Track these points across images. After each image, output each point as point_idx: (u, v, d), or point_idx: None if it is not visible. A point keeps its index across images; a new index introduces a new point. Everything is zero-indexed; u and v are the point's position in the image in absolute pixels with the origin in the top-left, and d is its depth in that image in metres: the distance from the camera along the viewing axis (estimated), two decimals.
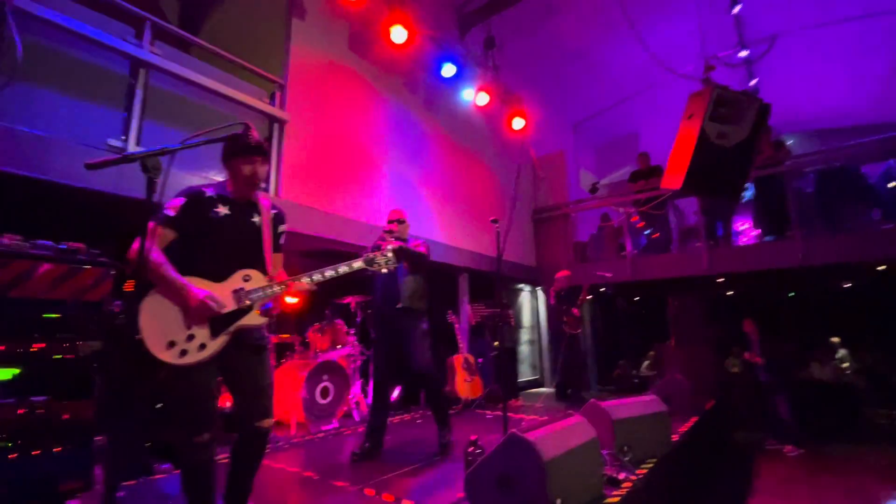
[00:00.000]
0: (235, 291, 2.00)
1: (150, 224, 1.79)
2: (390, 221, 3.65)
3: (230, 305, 1.97)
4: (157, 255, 1.87)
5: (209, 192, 2.07)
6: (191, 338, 1.89)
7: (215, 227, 2.03)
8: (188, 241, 1.99)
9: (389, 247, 3.22)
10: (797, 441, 5.40)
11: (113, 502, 1.34)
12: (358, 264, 2.32)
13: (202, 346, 1.91)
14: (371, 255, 2.37)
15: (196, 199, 2.02)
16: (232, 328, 1.97)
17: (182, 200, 1.98)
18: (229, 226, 2.07)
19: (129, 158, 1.28)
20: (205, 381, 1.99)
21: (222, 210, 2.06)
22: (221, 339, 1.95)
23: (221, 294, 1.96)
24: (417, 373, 3.52)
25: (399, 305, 3.48)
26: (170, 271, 1.87)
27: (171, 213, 1.94)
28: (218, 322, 1.93)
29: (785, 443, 5.43)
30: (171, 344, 1.85)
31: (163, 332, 1.85)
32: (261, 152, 2.11)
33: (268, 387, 2.13)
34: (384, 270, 2.38)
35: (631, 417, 3.24)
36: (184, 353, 1.87)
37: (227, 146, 2.05)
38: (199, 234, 2.00)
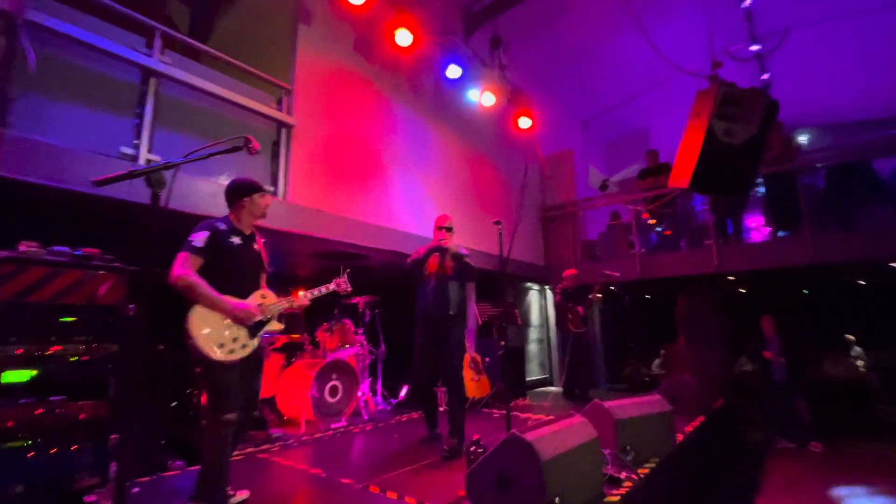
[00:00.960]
0: (259, 305, 2.53)
1: (183, 253, 2.33)
2: (439, 228, 3.90)
3: (258, 315, 2.51)
4: (195, 277, 2.32)
5: (221, 227, 2.51)
6: (235, 339, 2.40)
7: (233, 255, 2.49)
8: (213, 266, 2.41)
9: (449, 264, 3.79)
10: (818, 438, 5.38)
11: (124, 498, 1.40)
12: (332, 287, 3.07)
13: (244, 346, 2.45)
14: (340, 280, 3.13)
15: (215, 232, 2.46)
16: (262, 332, 2.55)
17: (206, 233, 2.42)
18: (242, 254, 2.55)
19: (133, 174, 1.35)
20: (239, 373, 2.45)
21: (235, 240, 2.53)
22: (256, 340, 2.52)
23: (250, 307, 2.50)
24: (448, 373, 3.78)
25: (451, 312, 3.75)
26: (210, 290, 2.33)
27: (200, 244, 2.37)
28: (252, 327, 2.49)
29: (805, 442, 5.39)
30: (221, 345, 2.35)
31: (213, 337, 2.33)
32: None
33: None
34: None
35: (634, 417, 3.26)
36: (231, 351, 2.38)
37: (245, 186, 2.60)
38: (221, 260, 2.44)
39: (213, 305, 2.34)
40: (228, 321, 2.39)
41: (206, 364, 2.31)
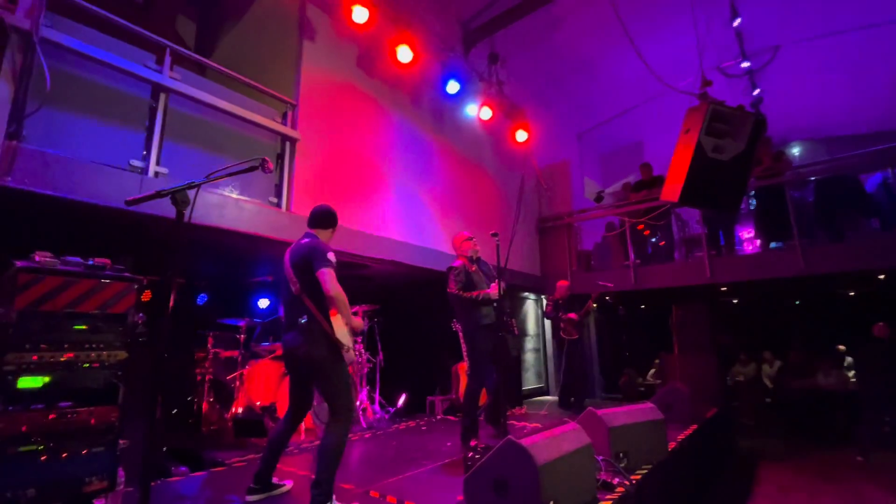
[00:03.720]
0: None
1: (332, 271, 2.67)
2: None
3: (364, 327, 3.09)
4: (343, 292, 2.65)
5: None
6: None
7: None
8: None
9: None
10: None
11: (147, 501, 1.49)
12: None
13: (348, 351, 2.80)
14: None
15: None
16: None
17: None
18: None
19: (161, 194, 1.45)
20: None
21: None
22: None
23: None
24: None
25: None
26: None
27: (334, 261, 2.76)
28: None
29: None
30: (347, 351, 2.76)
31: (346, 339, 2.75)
32: None
33: None
34: None
35: (626, 425, 3.36)
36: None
37: (335, 217, 3.13)
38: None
39: (348, 317, 2.69)
40: (347, 331, 2.72)
41: (342, 369, 2.71)
